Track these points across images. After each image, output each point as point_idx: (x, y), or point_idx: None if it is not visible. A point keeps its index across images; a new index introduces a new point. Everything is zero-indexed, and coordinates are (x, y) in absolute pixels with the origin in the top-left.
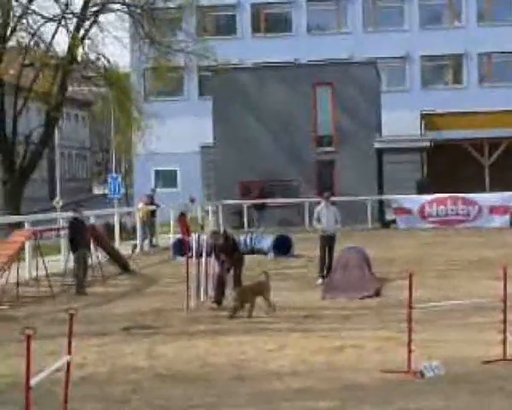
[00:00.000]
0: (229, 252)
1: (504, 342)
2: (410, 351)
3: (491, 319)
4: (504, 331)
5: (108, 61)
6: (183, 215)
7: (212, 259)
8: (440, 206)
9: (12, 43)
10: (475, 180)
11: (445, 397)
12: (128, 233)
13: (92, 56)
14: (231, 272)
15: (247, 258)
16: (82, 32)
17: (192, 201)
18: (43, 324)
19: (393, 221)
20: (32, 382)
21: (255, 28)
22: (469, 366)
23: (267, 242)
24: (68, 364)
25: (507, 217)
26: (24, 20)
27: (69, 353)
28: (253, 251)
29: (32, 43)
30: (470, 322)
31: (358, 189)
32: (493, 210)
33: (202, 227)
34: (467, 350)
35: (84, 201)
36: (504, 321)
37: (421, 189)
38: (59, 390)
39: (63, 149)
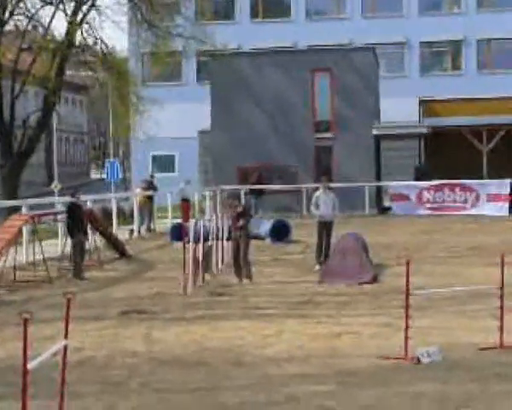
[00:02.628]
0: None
1: (501, 328)
2: (406, 337)
3: (488, 305)
4: (501, 318)
5: (106, 46)
6: (186, 201)
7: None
8: (438, 192)
9: (10, 26)
10: (473, 167)
11: (442, 383)
12: (125, 218)
13: (90, 41)
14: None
15: None
16: (80, 15)
17: (187, 183)
18: (40, 308)
19: (390, 208)
20: (29, 365)
21: (254, 13)
22: (466, 352)
23: (265, 227)
24: (65, 348)
25: (504, 204)
26: (22, 4)
27: (66, 337)
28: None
29: (29, 26)
30: (467, 309)
31: (356, 175)
32: (491, 197)
33: (202, 211)
34: (464, 337)
35: (82, 185)
36: (501, 308)
37: (419, 175)
38: (56, 374)
39: (61, 133)
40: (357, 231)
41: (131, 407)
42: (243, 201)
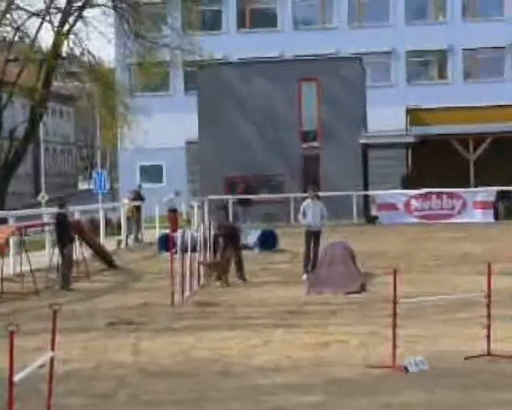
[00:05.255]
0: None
1: (488, 337)
2: (394, 346)
3: (475, 314)
4: (488, 327)
5: (93, 57)
6: (173, 211)
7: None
8: (425, 201)
9: None
10: (460, 175)
11: (429, 392)
12: (113, 229)
13: (77, 51)
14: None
15: None
16: (66, 27)
17: (177, 194)
18: (27, 319)
19: (377, 217)
20: (15, 378)
21: (241, 23)
22: (453, 361)
23: (252, 237)
24: (52, 360)
25: (491, 211)
26: (8, 15)
27: (52, 349)
28: None
29: (16, 38)
30: (455, 317)
31: (343, 184)
32: (477, 205)
33: (189, 221)
34: (451, 345)
35: (70, 196)
36: (488, 316)
37: (406, 184)
38: (43, 386)
39: (48, 144)
40: (345, 239)
41: None
42: (230, 210)
